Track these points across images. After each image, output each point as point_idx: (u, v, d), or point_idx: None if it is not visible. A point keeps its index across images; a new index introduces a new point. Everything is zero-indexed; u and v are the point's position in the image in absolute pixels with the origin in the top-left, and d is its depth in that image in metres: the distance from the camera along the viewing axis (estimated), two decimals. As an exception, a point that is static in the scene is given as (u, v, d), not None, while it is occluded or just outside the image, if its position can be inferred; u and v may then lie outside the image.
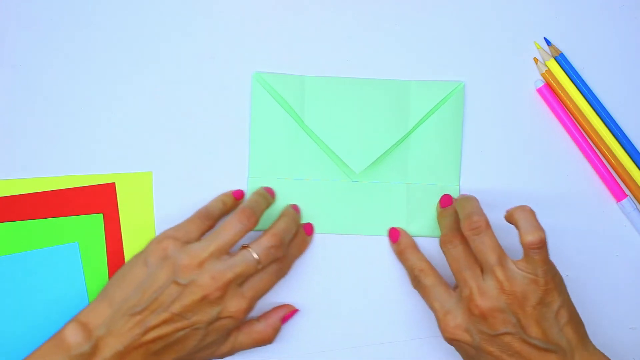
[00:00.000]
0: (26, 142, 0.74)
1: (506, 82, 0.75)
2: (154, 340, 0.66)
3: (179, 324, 0.66)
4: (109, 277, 0.73)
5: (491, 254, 0.66)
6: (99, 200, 0.73)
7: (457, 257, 0.68)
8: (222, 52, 0.75)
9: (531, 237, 0.65)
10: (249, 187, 0.74)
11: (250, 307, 0.68)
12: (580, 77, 0.75)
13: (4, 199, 0.73)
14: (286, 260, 0.70)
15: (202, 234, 0.70)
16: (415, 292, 0.73)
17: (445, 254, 0.70)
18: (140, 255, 0.69)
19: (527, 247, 0.65)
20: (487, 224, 0.67)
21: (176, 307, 0.66)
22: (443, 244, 0.70)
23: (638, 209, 0.74)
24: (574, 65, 0.75)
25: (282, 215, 0.72)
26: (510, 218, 0.68)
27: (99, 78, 0.74)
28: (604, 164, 0.75)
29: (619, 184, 0.74)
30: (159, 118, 0.74)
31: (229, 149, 0.74)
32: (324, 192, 0.74)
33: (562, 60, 0.75)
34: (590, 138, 0.75)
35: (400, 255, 0.73)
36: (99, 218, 0.73)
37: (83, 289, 0.72)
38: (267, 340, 0.71)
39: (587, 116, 0.74)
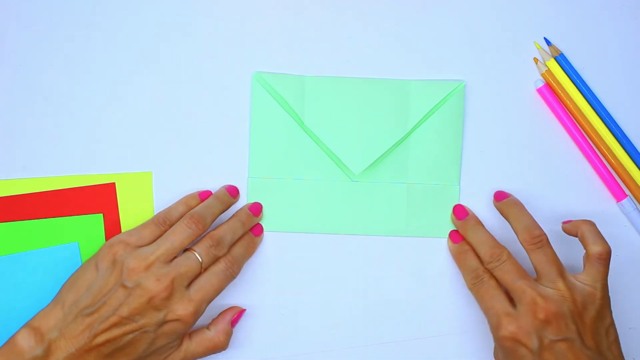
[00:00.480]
0: (26, 142, 0.74)
1: (506, 82, 0.75)
2: (104, 344, 0.66)
3: (127, 327, 0.67)
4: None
5: (552, 265, 0.69)
6: (99, 200, 0.73)
7: (509, 270, 0.69)
8: (222, 52, 0.75)
9: (600, 248, 0.69)
10: (249, 187, 0.74)
11: (197, 310, 0.68)
12: (580, 77, 0.75)
13: (4, 199, 0.73)
14: (233, 261, 0.71)
15: (155, 239, 0.70)
16: (414, 292, 0.73)
17: (494, 273, 0.70)
18: (92, 259, 0.69)
19: (594, 258, 0.68)
20: (547, 238, 0.70)
21: (124, 311, 0.66)
22: (481, 272, 0.71)
23: (638, 209, 0.74)
24: (574, 65, 0.75)
25: (231, 216, 0.73)
26: (573, 229, 0.71)
27: (99, 78, 0.74)
28: (604, 164, 0.75)
29: (619, 184, 0.74)
30: (159, 118, 0.74)
31: (229, 149, 0.74)
32: (324, 192, 0.74)
33: (562, 60, 0.75)
34: (590, 138, 0.75)
35: (462, 254, 0.73)
36: (99, 218, 0.73)
37: (83, 289, 0.72)
38: (219, 346, 0.71)
39: (587, 116, 0.74)
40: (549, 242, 0.70)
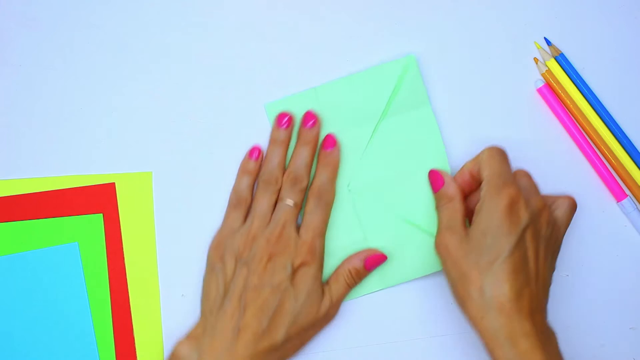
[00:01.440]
0: (26, 142, 0.74)
1: (506, 82, 0.75)
2: (253, 320, 0.68)
3: (265, 293, 0.68)
4: (109, 279, 0.73)
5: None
6: (99, 200, 0.73)
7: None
8: (221, 52, 0.75)
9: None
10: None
11: (313, 246, 0.70)
12: (580, 77, 0.75)
13: (4, 199, 0.73)
14: (320, 190, 0.71)
15: (244, 218, 0.72)
16: (414, 292, 0.73)
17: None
18: (207, 267, 0.72)
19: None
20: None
21: (254, 280, 0.68)
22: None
23: (638, 209, 0.74)
24: (574, 65, 0.75)
25: (296, 143, 0.73)
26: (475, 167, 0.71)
27: (99, 78, 0.74)
28: (604, 164, 0.75)
29: (619, 184, 0.75)
30: (159, 118, 0.74)
31: (229, 149, 0.74)
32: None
33: (562, 60, 0.75)
34: (590, 138, 0.75)
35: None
36: (99, 218, 0.73)
37: (83, 289, 0.72)
38: (352, 280, 0.72)
39: (587, 116, 0.74)
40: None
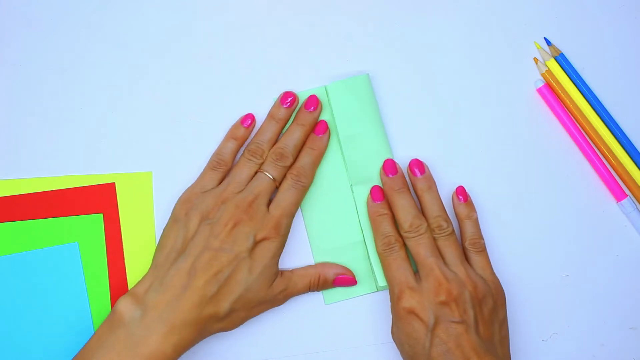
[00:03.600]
0: (26, 142, 0.74)
1: (506, 82, 0.75)
2: (205, 285, 0.67)
3: (223, 258, 0.67)
4: (109, 278, 0.73)
5: (455, 251, 0.70)
6: (99, 200, 0.73)
7: (424, 244, 0.69)
8: (221, 52, 0.75)
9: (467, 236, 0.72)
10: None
11: (280, 225, 0.69)
12: (580, 77, 0.75)
13: (4, 199, 0.73)
14: (300, 172, 0.71)
15: (219, 182, 0.72)
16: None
17: (407, 241, 0.70)
18: (170, 219, 0.71)
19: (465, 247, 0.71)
20: (453, 228, 0.71)
21: (214, 243, 0.68)
22: (393, 241, 0.71)
23: (638, 209, 0.74)
24: (574, 65, 0.75)
25: (292, 122, 0.73)
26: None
27: (99, 78, 0.74)
28: (604, 164, 0.75)
29: (619, 184, 0.74)
30: (159, 118, 0.74)
31: (229, 149, 0.74)
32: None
33: (562, 60, 0.75)
34: (590, 138, 0.75)
35: (379, 217, 0.72)
36: (99, 218, 0.73)
37: (83, 289, 0.72)
38: (315, 285, 0.72)
39: (587, 116, 0.74)
40: (454, 232, 0.71)
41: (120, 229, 0.73)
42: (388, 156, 0.73)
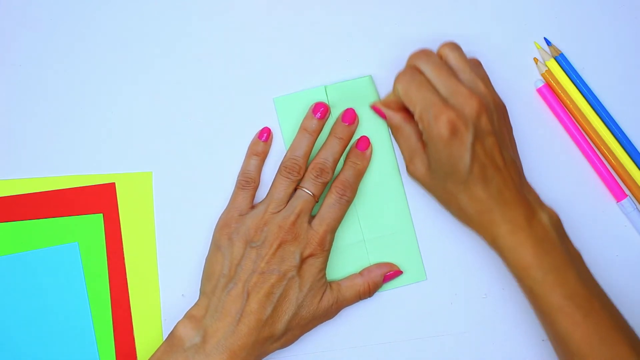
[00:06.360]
0: (26, 142, 0.74)
1: (506, 82, 0.75)
2: (258, 308, 0.67)
3: (272, 280, 0.68)
4: (109, 278, 0.73)
5: (465, 67, 0.70)
6: (99, 200, 0.73)
7: (445, 68, 0.70)
8: (221, 52, 0.75)
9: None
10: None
11: (324, 240, 0.70)
12: (580, 77, 0.75)
13: (4, 199, 0.73)
14: (344, 187, 0.71)
15: (252, 199, 0.72)
16: (414, 292, 0.73)
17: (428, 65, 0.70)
18: (212, 247, 0.71)
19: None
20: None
21: (262, 266, 0.68)
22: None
23: (638, 209, 0.74)
24: (574, 65, 0.75)
25: (328, 135, 0.73)
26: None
27: (99, 78, 0.74)
28: (604, 164, 0.75)
29: (619, 184, 0.74)
30: (159, 118, 0.74)
31: (229, 149, 0.74)
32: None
33: (562, 60, 0.75)
34: (590, 138, 0.75)
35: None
36: (99, 218, 0.73)
37: (83, 289, 0.73)
38: (366, 293, 0.72)
39: (587, 116, 0.74)
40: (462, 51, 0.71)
41: (120, 229, 0.73)
42: (391, 158, 0.73)
